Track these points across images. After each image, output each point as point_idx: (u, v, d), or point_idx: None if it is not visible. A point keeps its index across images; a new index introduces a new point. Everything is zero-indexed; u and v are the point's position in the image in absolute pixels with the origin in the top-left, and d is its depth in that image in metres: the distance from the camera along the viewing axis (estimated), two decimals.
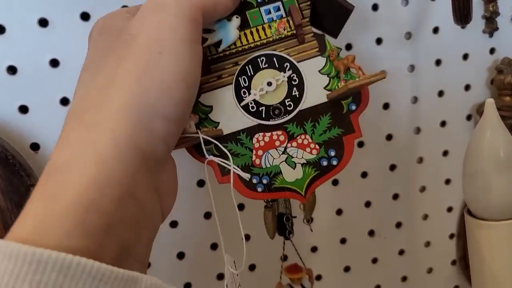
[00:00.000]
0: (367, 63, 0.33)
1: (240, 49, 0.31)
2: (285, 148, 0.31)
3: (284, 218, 0.36)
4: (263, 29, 0.31)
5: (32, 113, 0.37)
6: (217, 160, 0.30)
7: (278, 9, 0.31)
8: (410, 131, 0.47)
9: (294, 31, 0.31)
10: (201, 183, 0.42)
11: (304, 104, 0.31)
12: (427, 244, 0.50)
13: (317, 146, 0.31)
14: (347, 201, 0.46)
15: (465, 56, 0.46)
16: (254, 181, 0.30)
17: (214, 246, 0.44)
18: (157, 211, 0.26)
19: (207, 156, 0.30)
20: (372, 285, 0.49)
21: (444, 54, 0.45)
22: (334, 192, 0.46)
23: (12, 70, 0.36)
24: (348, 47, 0.43)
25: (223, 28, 0.30)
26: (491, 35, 0.46)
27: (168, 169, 0.27)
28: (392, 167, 0.47)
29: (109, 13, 0.28)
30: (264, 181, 0.30)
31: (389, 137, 0.46)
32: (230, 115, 0.30)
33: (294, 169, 0.31)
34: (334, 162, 0.31)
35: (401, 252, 0.49)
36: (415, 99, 0.46)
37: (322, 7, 0.31)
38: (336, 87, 0.31)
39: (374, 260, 0.49)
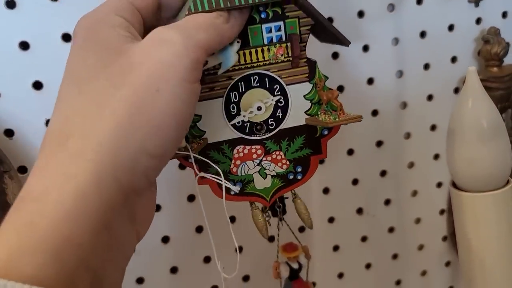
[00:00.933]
0: (350, 37, 0.32)
1: (236, 67, 0.32)
2: (261, 161, 0.34)
3: (275, 206, 0.37)
4: (262, 51, 0.33)
5: (4, 98, 0.36)
6: (208, 176, 0.33)
7: (279, 29, 0.32)
8: (397, 106, 0.46)
9: (291, 59, 0.33)
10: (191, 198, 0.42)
11: (285, 125, 0.34)
12: (417, 220, 0.50)
13: (287, 162, 0.35)
14: (334, 180, 0.45)
15: (451, 27, 0.45)
16: (222, 188, 0.34)
17: (207, 259, 0.44)
18: (131, 239, 0.25)
19: (198, 173, 0.32)
20: (362, 263, 0.49)
21: (429, 25, 0.44)
22: (321, 171, 0.45)
23: None
24: (330, 20, 0.41)
25: (224, 52, 0.30)
26: (477, 4, 0.45)
27: (146, 197, 0.26)
28: (379, 143, 0.46)
29: (93, 12, 0.26)
30: (237, 187, 0.34)
31: (374, 112, 0.45)
32: (216, 126, 0.33)
33: (264, 179, 0.35)
34: (299, 177, 0.35)
35: (391, 230, 0.49)
36: (400, 73, 0.45)
37: (320, 34, 0.33)
38: (317, 113, 0.34)
39: (364, 239, 0.48)
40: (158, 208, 0.41)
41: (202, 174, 0.33)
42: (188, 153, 0.31)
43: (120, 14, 0.26)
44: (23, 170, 0.37)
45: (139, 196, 0.25)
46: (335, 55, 0.43)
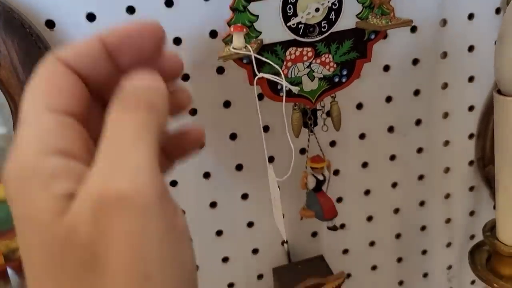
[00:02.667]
0: None
1: None
2: (310, 63, 0.35)
3: (307, 117, 0.39)
4: None
5: None
6: (269, 76, 0.34)
7: None
8: (436, 24, 0.45)
9: None
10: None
11: (336, 28, 0.34)
12: (446, 143, 0.50)
13: (335, 65, 0.36)
14: (368, 95, 0.45)
15: None
16: (279, 87, 0.35)
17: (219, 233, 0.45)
18: None
19: (257, 73, 0.33)
20: (389, 182, 0.49)
21: None
22: (355, 86, 0.44)
23: None
24: None
25: None
26: None
27: None
28: (415, 61, 0.46)
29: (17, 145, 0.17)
30: (287, 88, 0.35)
31: (413, 29, 0.44)
32: (272, 27, 0.33)
33: (312, 81, 0.36)
34: (344, 80, 0.37)
35: (420, 150, 0.49)
36: None
37: None
38: (367, 16, 0.34)
39: (392, 157, 0.48)
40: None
41: (262, 74, 0.34)
42: (249, 53, 0.32)
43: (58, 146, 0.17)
44: None
45: None
46: None
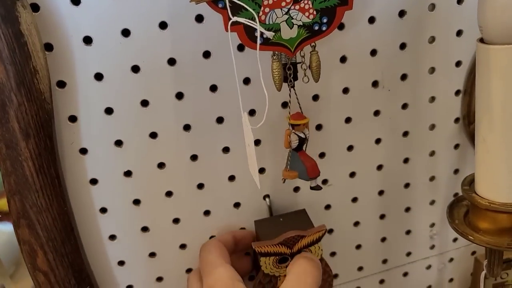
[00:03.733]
0: None
1: None
2: (289, 9, 0.34)
3: (287, 67, 0.38)
4: None
5: None
6: (243, 20, 0.33)
7: None
8: None
9: None
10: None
11: None
12: (432, 99, 0.49)
13: (314, 12, 0.35)
14: (352, 48, 0.44)
15: None
16: (256, 34, 0.34)
17: (200, 186, 0.44)
18: None
19: (231, 17, 0.32)
20: (372, 138, 0.49)
21: None
22: (340, 38, 0.44)
23: None
24: None
25: None
26: None
27: None
28: (401, 14, 0.44)
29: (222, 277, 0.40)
30: (264, 36, 0.34)
31: None
32: None
33: (291, 29, 0.35)
34: (324, 28, 0.36)
35: (404, 106, 0.49)
36: None
37: None
38: None
39: (376, 113, 0.48)
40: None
41: (236, 18, 0.33)
42: None
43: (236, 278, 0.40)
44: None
45: None
46: None
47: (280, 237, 0.41)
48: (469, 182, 0.40)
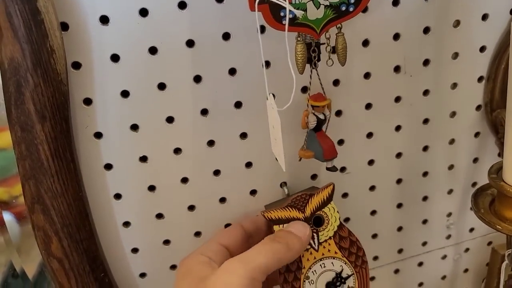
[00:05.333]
0: None
1: None
2: None
3: (311, 50, 0.37)
4: None
5: None
6: None
7: None
8: None
9: None
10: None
11: None
12: (454, 85, 0.48)
13: None
14: (375, 31, 0.43)
15: None
16: (282, 14, 0.33)
17: (216, 172, 0.44)
18: None
19: None
20: (392, 125, 0.48)
21: None
22: (362, 21, 0.42)
23: None
24: None
25: None
26: None
27: None
28: None
29: (188, 255, 0.40)
30: (290, 16, 0.33)
31: None
32: None
33: (317, 9, 0.34)
34: (351, 9, 0.35)
35: (426, 92, 0.47)
36: None
37: None
38: None
39: (397, 99, 0.47)
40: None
41: None
42: None
43: (205, 254, 0.39)
44: None
45: None
46: None
47: (288, 199, 0.41)
48: (496, 170, 0.39)
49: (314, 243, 0.41)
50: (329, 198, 0.41)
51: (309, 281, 0.41)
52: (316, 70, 0.38)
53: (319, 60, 0.38)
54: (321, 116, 0.40)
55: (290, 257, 0.38)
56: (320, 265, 0.41)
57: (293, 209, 0.40)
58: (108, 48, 0.37)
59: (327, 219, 0.41)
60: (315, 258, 0.41)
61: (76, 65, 0.37)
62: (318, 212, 0.41)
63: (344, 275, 0.42)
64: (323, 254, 0.41)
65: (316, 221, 0.41)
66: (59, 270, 0.39)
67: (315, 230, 0.41)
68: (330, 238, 0.41)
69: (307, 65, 0.37)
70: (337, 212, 0.42)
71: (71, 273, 0.39)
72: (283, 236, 0.39)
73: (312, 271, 0.41)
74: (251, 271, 0.35)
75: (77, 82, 0.38)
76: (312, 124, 0.39)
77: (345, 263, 0.41)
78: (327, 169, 0.41)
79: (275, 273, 0.40)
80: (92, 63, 0.37)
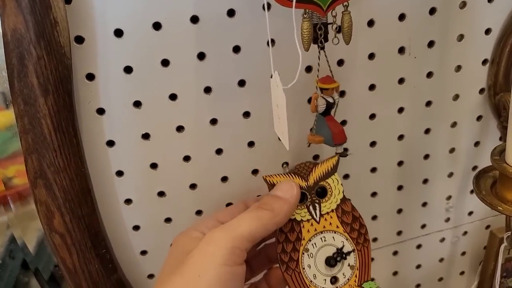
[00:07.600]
0: None
1: None
2: None
3: (317, 28, 0.36)
4: None
5: None
6: None
7: None
8: None
9: None
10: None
11: None
12: (458, 68, 0.48)
13: None
14: (380, 11, 0.42)
15: None
16: None
17: (219, 151, 0.44)
18: None
19: None
20: (396, 106, 0.48)
21: None
22: (367, 1, 0.42)
23: None
24: None
25: None
26: None
27: None
28: None
29: (181, 233, 0.40)
30: None
31: None
32: None
33: None
34: None
35: (429, 75, 0.47)
36: None
37: None
38: None
39: (401, 80, 0.46)
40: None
41: None
42: None
43: (199, 230, 0.39)
44: None
45: None
46: None
47: (293, 167, 0.40)
48: (499, 152, 0.39)
49: (316, 214, 0.40)
50: (334, 169, 0.40)
51: (308, 254, 0.40)
52: (324, 50, 0.37)
53: (326, 40, 0.37)
54: (330, 100, 0.39)
55: (279, 221, 0.37)
56: (321, 238, 0.40)
57: (296, 176, 0.40)
58: (112, 22, 0.37)
59: (330, 191, 0.41)
60: (316, 230, 0.40)
61: (79, 40, 0.37)
62: (322, 183, 0.41)
63: (345, 251, 0.41)
64: (324, 227, 0.40)
65: (319, 193, 0.41)
66: (61, 245, 0.39)
67: (317, 201, 0.40)
68: (332, 211, 0.41)
69: (315, 46, 0.37)
70: (341, 185, 0.41)
71: (73, 248, 0.39)
72: (268, 201, 0.37)
73: (312, 244, 0.40)
74: (233, 240, 0.34)
75: (80, 57, 0.37)
76: (322, 107, 0.39)
77: (347, 239, 0.41)
78: (337, 154, 0.40)
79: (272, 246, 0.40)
80: (96, 37, 0.37)
